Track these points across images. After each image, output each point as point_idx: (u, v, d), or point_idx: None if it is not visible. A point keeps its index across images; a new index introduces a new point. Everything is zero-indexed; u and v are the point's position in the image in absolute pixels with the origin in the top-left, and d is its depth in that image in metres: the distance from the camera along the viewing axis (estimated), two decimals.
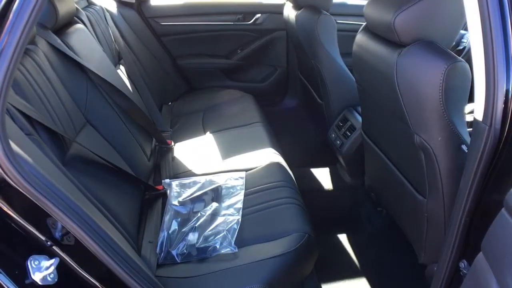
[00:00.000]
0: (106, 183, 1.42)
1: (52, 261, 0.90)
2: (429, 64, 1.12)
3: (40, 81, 1.36)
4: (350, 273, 1.89)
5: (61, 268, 0.93)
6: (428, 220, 1.32)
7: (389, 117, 1.39)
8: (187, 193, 1.67)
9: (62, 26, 1.75)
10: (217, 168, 1.85)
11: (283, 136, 2.42)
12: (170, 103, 2.77)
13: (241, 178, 1.73)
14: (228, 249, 1.37)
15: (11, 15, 0.80)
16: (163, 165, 1.97)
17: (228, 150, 1.98)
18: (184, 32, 2.85)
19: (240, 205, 1.57)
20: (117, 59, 2.30)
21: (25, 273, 0.89)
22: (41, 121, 1.23)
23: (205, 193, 1.66)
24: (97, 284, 1.00)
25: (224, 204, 1.58)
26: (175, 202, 1.63)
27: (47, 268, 0.90)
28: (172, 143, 2.14)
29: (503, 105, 0.89)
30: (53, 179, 0.93)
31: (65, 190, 0.94)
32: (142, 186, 1.68)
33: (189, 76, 2.96)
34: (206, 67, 2.94)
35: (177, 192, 1.69)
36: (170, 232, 1.48)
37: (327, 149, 2.38)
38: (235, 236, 1.42)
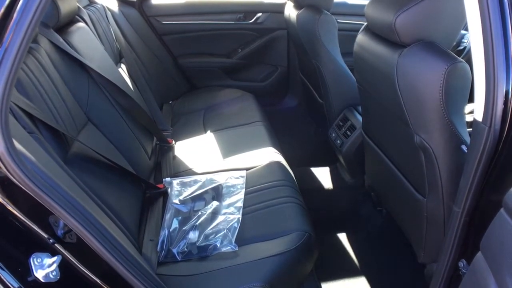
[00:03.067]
0: (107, 182, 1.43)
1: (55, 258, 0.91)
2: (430, 65, 1.12)
3: (42, 79, 1.36)
4: (349, 272, 1.89)
5: (63, 265, 0.93)
6: (428, 219, 1.33)
7: (389, 117, 1.40)
8: (188, 192, 1.68)
9: (64, 25, 1.75)
10: (218, 167, 1.85)
11: (283, 135, 2.43)
12: (171, 102, 2.77)
13: (242, 177, 1.73)
14: (229, 247, 1.38)
15: (15, 14, 0.80)
16: (164, 164, 1.97)
17: (229, 149, 1.99)
18: (185, 31, 2.85)
19: (240, 204, 1.57)
20: (118, 58, 2.30)
21: (28, 270, 0.89)
22: (43, 120, 1.23)
23: (206, 191, 1.66)
24: (99, 281, 1.00)
25: (225, 203, 1.59)
26: (176, 201, 1.63)
27: (50, 265, 0.90)
28: (173, 142, 2.14)
29: (503, 106, 0.90)
30: (55, 177, 0.93)
31: (67, 188, 0.94)
32: (143, 185, 1.69)
33: (190, 75, 2.97)
34: (207, 66, 2.94)
35: (178, 190, 1.70)
36: (171, 230, 1.49)
37: (327, 149, 2.39)
38: (235, 234, 1.43)
